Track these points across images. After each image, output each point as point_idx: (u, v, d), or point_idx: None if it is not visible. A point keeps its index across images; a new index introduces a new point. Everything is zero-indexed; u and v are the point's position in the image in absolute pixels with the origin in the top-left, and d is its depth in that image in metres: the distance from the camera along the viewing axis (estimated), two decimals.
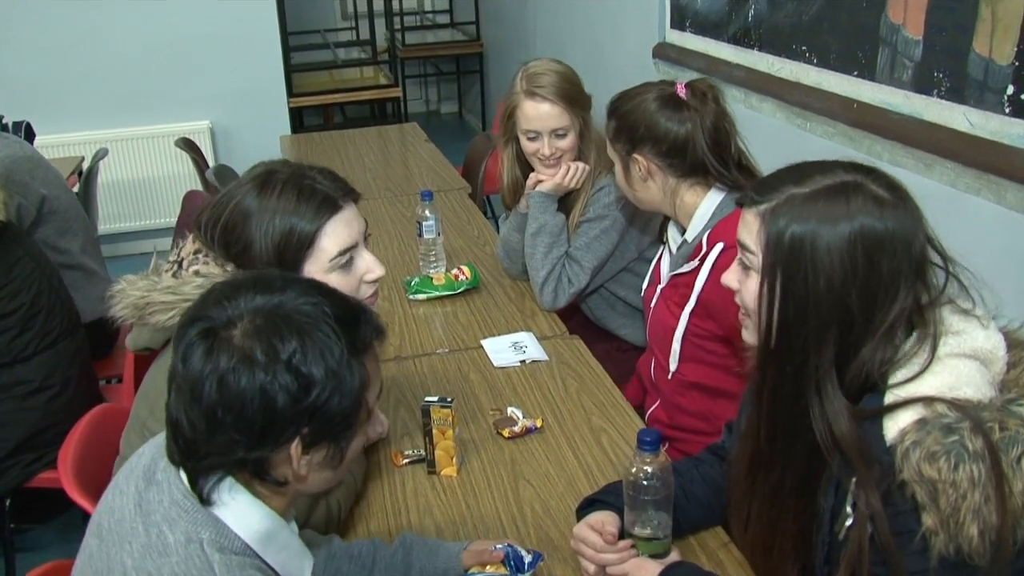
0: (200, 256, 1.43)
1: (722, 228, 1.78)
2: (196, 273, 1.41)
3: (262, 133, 4.96)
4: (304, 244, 1.41)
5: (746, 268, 1.19)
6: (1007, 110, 1.96)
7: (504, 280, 2.43)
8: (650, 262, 2.29)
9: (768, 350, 1.15)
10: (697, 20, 3.42)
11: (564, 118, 2.15)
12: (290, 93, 5.18)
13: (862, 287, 1.07)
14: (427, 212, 2.43)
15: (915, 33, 2.21)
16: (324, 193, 1.43)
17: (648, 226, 2.25)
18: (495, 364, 1.97)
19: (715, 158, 1.80)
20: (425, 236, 2.41)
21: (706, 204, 1.85)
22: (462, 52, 7.12)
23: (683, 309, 1.81)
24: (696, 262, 1.81)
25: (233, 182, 1.46)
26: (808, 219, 1.10)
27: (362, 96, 5.76)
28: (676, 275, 1.87)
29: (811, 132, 2.72)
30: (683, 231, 1.90)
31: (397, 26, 7.02)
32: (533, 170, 2.25)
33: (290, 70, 5.24)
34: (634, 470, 1.27)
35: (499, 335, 2.11)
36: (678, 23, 3.58)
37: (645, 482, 1.26)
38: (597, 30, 4.45)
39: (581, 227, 2.21)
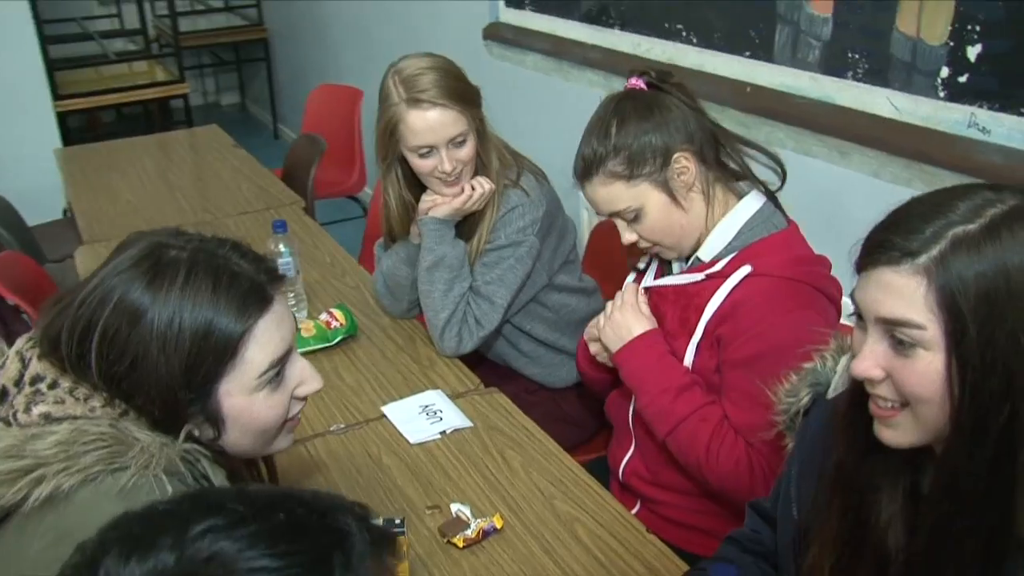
0: (44, 388, 0.96)
1: (755, 252, 1.47)
2: (46, 417, 0.94)
3: (24, 146, 4.17)
4: (224, 354, 0.98)
5: (904, 347, 0.87)
6: (942, 94, 1.79)
7: (384, 320, 2.03)
8: (562, 290, 1.97)
9: (964, 443, 0.85)
10: None
11: (460, 122, 1.76)
12: (55, 95, 4.40)
13: None
14: (281, 247, 1.99)
15: (822, 11, 2.01)
16: (249, 280, 1.00)
17: (561, 245, 1.93)
18: (411, 441, 1.59)
19: (730, 143, 1.52)
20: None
21: (740, 212, 1.51)
22: (244, 39, 6.44)
23: (681, 333, 1.51)
24: (699, 275, 1.50)
25: (98, 270, 0.99)
26: (994, 260, 0.82)
27: (144, 95, 5.01)
28: (661, 287, 1.57)
29: None
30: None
31: (163, 12, 6.25)
32: (424, 190, 1.86)
33: (51, 67, 4.44)
34: None
35: (400, 398, 1.72)
36: (515, 2, 3.26)
37: None
38: (410, 10, 4.05)
39: (488, 255, 1.85)
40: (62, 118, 4.52)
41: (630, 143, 1.45)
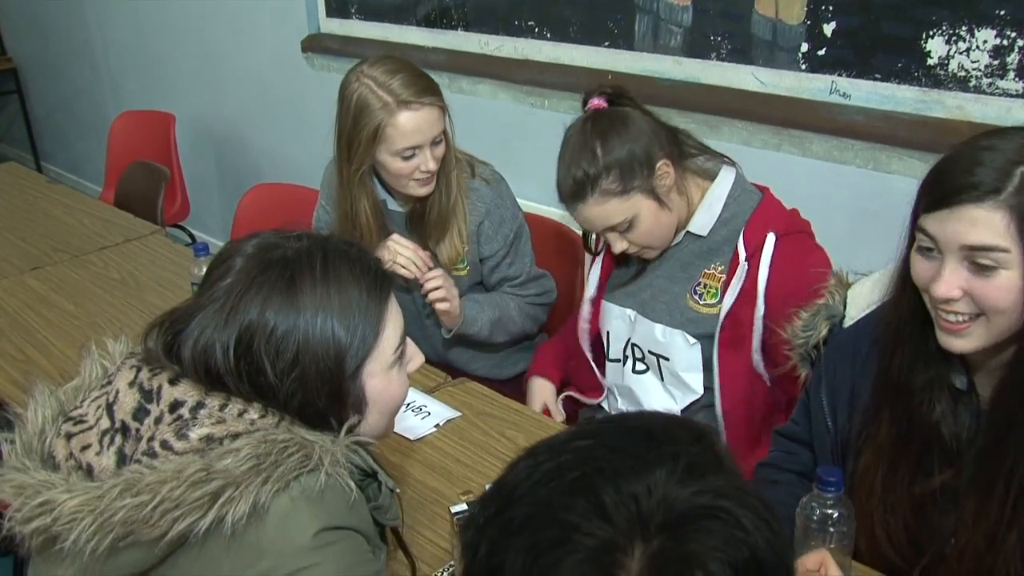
0: (187, 412, 0.93)
1: (762, 219, 1.62)
2: (208, 439, 0.91)
3: None
4: (370, 334, 1.00)
5: (985, 269, 1.04)
6: (803, 67, 2.05)
7: None
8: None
9: None
10: (367, 6, 3.14)
11: (442, 119, 1.82)
12: None
13: None
14: (204, 270, 1.91)
15: (681, 0, 2.22)
16: (372, 263, 1.03)
17: None
18: (411, 438, 1.61)
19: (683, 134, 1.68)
20: None
21: (717, 191, 1.65)
22: None
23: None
24: (723, 261, 1.63)
25: (216, 288, 0.96)
26: None
27: None
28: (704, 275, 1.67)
29: (552, 109, 2.65)
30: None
31: None
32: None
33: None
34: (816, 516, 1.09)
35: None
36: (338, 11, 3.27)
37: (832, 528, 1.09)
38: (213, 27, 3.91)
39: (504, 258, 1.98)
40: None
41: (619, 159, 1.55)
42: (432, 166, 1.81)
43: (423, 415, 1.68)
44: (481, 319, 1.93)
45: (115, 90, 4.82)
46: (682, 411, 1.69)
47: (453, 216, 1.89)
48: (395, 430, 1.64)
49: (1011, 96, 1.76)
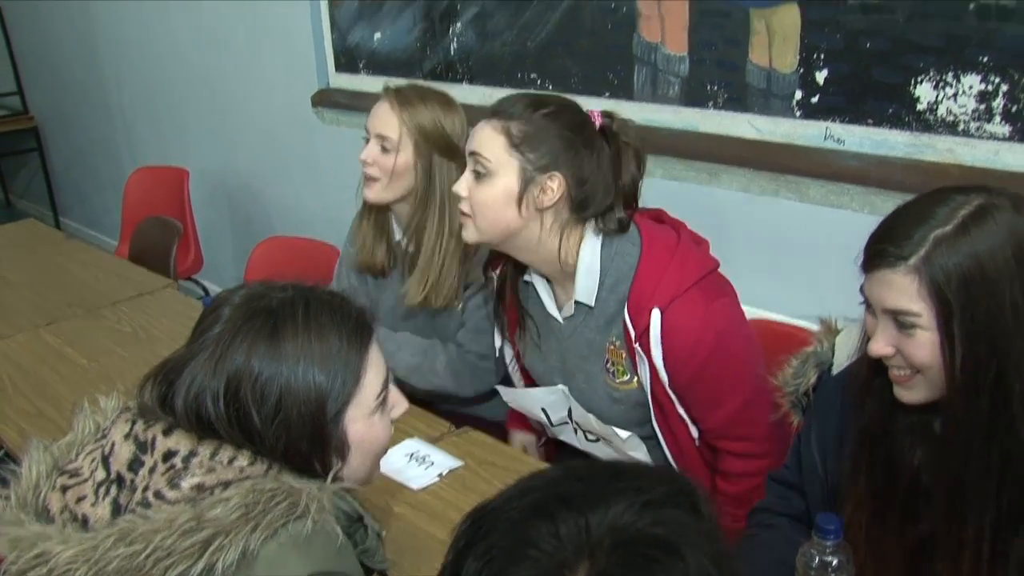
0: (179, 462, 0.96)
1: (642, 289, 1.55)
2: (199, 488, 0.94)
3: None
4: (352, 379, 1.04)
5: (906, 328, 1.11)
6: (798, 113, 2.09)
7: None
8: None
9: (962, 397, 1.08)
10: (375, 61, 3.22)
11: (397, 128, 1.92)
12: None
13: None
14: None
15: (677, 50, 2.28)
16: (353, 310, 1.07)
17: None
18: (414, 487, 1.64)
19: (623, 202, 1.60)
20: None
21: (588, 255, 1.58)
22: (6, 130, 6.00)
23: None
24: (618, 336, 1.62)
25: (204, 339, 1.00)
26: (967, 252, 1.06)
27: None
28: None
29: None
30: (549, 289, 1.70)
31: None
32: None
33: None
34: (816, 564, 1.10)
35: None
36: (347, 66, 3.35)
37: None
38: (227, 83, 4.01)
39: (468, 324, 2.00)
40: None
41: (540, 126, 1.52)
42: (365, 156, 1.90)
43: (426, 465, 1.70)
44: (396, 358, 1.95)
45: (131, 145, 4.93)
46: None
47: (422, 265, 1.93)
48: (398, 480, 1.68)
49: (998, 139, 1.79)
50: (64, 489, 0.99)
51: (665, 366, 1.56)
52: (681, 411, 1.62)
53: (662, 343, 1.55)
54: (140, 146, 4.85)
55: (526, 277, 1.72)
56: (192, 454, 0.98)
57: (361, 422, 1.06)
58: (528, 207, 1.53)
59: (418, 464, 1.71)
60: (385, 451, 1.14)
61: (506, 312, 1.80)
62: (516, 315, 1.79)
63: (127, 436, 1.01)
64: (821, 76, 2.02)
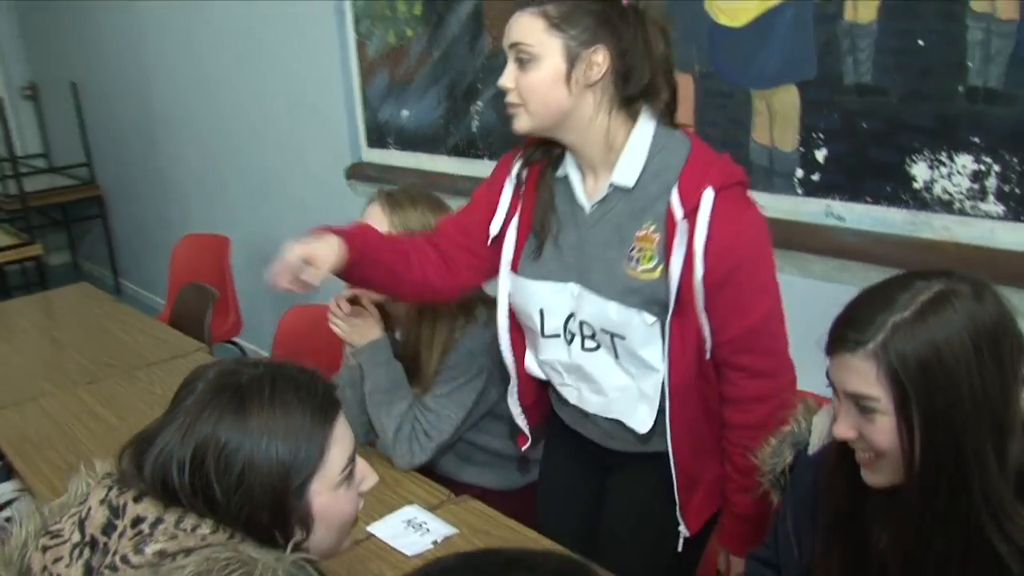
0: (147, 528, 1.03)
1: (697, 171, 1.52)
2: (161, 554, 1.01)
3: None
4: (315, 455, 1.09)
5: (867, 412, 1.12)
6: (799, 191, 2.14)
7: None
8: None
9: (921, 483, 1.09)
10: (403, 137, 3.36)
11: (382, 221, 1.98)
12: None
13: (997, 383, 1.06)
14: None
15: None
16: (320, 388, 1.12)
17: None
18: (408, 554, 1.68)
19: (666, 82, 1.56)
20: None
21: (639, 138, 1.55)
22: (76, 198, 6.32)
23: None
24: (655, 220, 1.53)
25: (177, 411, 1.08)
26: (925, 339, 1.07)
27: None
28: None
29: None
30: (580, 175, 1.63)
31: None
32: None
33: None
34: None
35: (378, 518, 1.81)
36: (378, 142, 3.49)
37: None
38: (265, 157, 4.20)
39: (442, 374, 1.98)
40: None
41: (577, 7, 1.50)
42: None
43: (422, 532, 1.75)
44: (372, 376, 1.99)
45: (182, 213, 5.15)
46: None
47: (430, 338, 2.00)
48: (393, 545, 1.72)
49: (993, 218, 1.81)
50: (45, 549, 1.06)
51: (705, 254, 1.50)
52: (701, 315, 1.55)
53: (709, 226, 1.49)
54: (190, 215, 5.07)
55: (559, 173, 1.68)
56: (159, 521, 1.03)
57: (326, 495, 1.10)
58: (577, 84, 1.52)
59: (414, 531, 1.75)
60: (354, 523, 1.18)
61: (529, 209, 1.72)
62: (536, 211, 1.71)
63: (102, 501, 1.07)
64: (821, 155, 2.07)
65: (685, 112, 2.31)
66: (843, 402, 1.15)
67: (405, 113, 3.30)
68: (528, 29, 1.51)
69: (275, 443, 1.05)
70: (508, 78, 1.55)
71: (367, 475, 1.19)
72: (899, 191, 1.95)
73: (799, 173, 2.12)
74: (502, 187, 1.74)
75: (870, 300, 1.14)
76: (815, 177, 2.09)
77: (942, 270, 1.14)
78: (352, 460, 1.14)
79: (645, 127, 1.57)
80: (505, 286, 1.74)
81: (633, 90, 1.54)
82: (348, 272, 1.67)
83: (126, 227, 6.16)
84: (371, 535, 1.76)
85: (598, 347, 1.65)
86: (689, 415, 1.62)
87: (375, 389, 1.98)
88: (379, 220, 1.96)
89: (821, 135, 2.05)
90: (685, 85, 2.29)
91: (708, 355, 1.60)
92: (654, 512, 1.73)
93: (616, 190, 1.59)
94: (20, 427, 2.37)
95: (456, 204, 3.05)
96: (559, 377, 1.74)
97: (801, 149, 2.10)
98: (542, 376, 1.78)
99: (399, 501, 1.88)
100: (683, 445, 1.64)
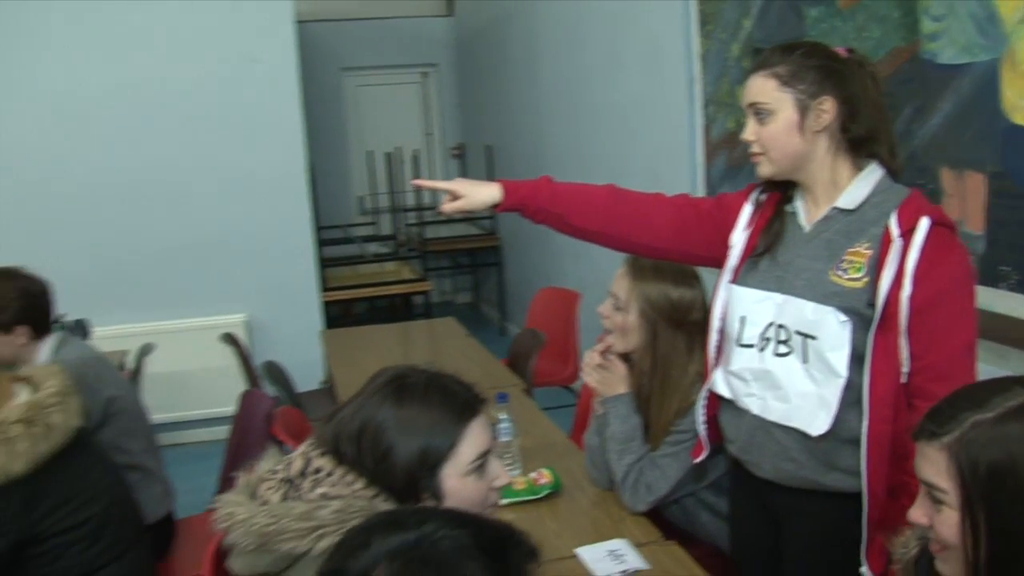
0: (322, 476, 1.41)
1: (916, 205, 1.69)
2: (324, 496, 1.38)
3: (296, 327, 5.06)
4: (446, 447, 1.40)
5: (937, 503, 1.15)
6: None
7: (586, 484, 2.38)
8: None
9: None
10: None
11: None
12: (323, 287, 5.27)
13: None
14: (503, 414, 2.42)
15: (976, 229, 2.29)
16: (464, 397, 1.44)
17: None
18: (597, 575, 1.91)
19: (883, 133, 1.77)
20: (501, 439, 2.39)
21: (867, 176, 1.76)
22: (479, 246, 7.32)
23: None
24: (871, 240, 1.69)
25: (361, 394, 1.46)
26: (1002, 445, 1.08)
27: (392, 290, 5.89)
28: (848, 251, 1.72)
29: None
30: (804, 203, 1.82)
31: (412, 221, 7.28)
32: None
33: (323, 264, 5.36)
34: None
35: (590, 543, 2.05)
36: None
37: None
38: None
39: (673, 435, 2.20)
40: (325, 306, 5.38)
41: (801, 63, 1.73)
42: (601, 309, 2.34)
43: (618, 562, 1.95)
44: (612, 426, 2.21)
45: (559, 268, 5.76)
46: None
47: (661, 397, 2.23)
48: (589, 568, 1.95)
49: None
50: (264, 481, 1.48)
51: (915, 274, 1.62)
52: (902, 337, 1.65)
53: (921, 250, 1.63)
54: (561, 271, 5.65)
55: (788, 208, 1.88)
56: (330, 473, 1.41)
57: (455, 479, 1.40)
58: (808, 131, 1.75)
59: (612, 560, 1.96)
60: (481, 509, 1.44)
61: (759, 230, 1.91)
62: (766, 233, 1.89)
63: (303, 455, 1.47)
64: None
65: (975, 211, 2.28)
66: (920, 489, 1.18)
67: None
68: (763, 89, 1.77)
69: (415, 431, 1.38)
70: (750, 132, 1.81)
71: (501, 475, 1.48)
72: None
73: None
74: (744, 202, 1.97)
75: (965, 395, 1.17)
76: None
77: None
78: (483, 456, 1.43)
79: (874, 171, 1.77)
80: (721, 298, 1.92)
81: (858, 131, 1.75)
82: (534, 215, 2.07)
83: (516, 275, 6.97)
84: (575, 556, 2.01)
85: (789, 353, 1.77)
86: (886, 435, 1.67)
87: (612, 438, 2.25)
88: (621, 284, 2.23)
89: None
90: (976, 185, 2.25)
91: (905, 379, 1.68)
92: (833, 560, 1.80)
93: (837, 212, 1.77)
94: None
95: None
96: (745, 387, 1.85)
97: None
98: (726, 393, 1.92)
99: (613, 532, 2.10)
100: (878, 467, 1.68)
